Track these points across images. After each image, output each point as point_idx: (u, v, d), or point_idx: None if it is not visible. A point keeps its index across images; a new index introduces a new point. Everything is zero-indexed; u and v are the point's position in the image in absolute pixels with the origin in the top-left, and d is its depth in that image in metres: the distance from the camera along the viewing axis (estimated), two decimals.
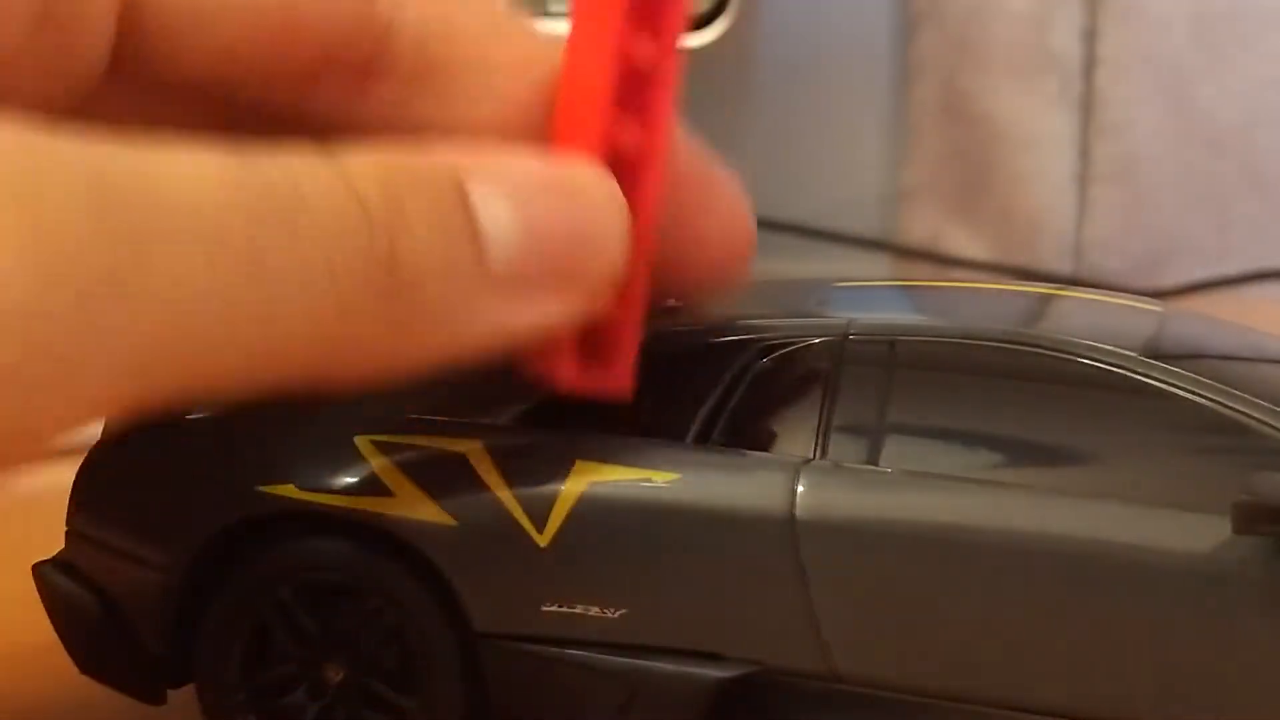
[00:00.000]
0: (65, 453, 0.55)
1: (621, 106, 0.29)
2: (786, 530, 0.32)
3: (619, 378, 0.30)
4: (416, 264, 0.23)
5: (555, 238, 0.25)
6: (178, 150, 0.21)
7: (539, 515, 0.33)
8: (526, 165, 0.25)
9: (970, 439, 0.33)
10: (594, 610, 0.33)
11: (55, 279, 0.19)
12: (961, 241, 0.90)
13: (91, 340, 0.19)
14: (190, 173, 0.21)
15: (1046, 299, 0.38)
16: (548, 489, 0.33)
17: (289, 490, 0.34)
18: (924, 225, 0.92)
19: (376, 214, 0.22)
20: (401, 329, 0.23)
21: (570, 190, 0.25)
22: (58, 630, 0.37)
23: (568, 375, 0.29)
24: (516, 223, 0.24)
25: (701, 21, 0.80)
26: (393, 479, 0.33)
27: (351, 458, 0.34)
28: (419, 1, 0.29)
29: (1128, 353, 0.32)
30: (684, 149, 0.31)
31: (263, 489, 0.34)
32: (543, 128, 0.29)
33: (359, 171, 0.23)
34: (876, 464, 0.32)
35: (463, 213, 0.23)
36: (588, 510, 0.33)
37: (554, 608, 0.33)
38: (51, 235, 0.19)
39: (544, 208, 0.25)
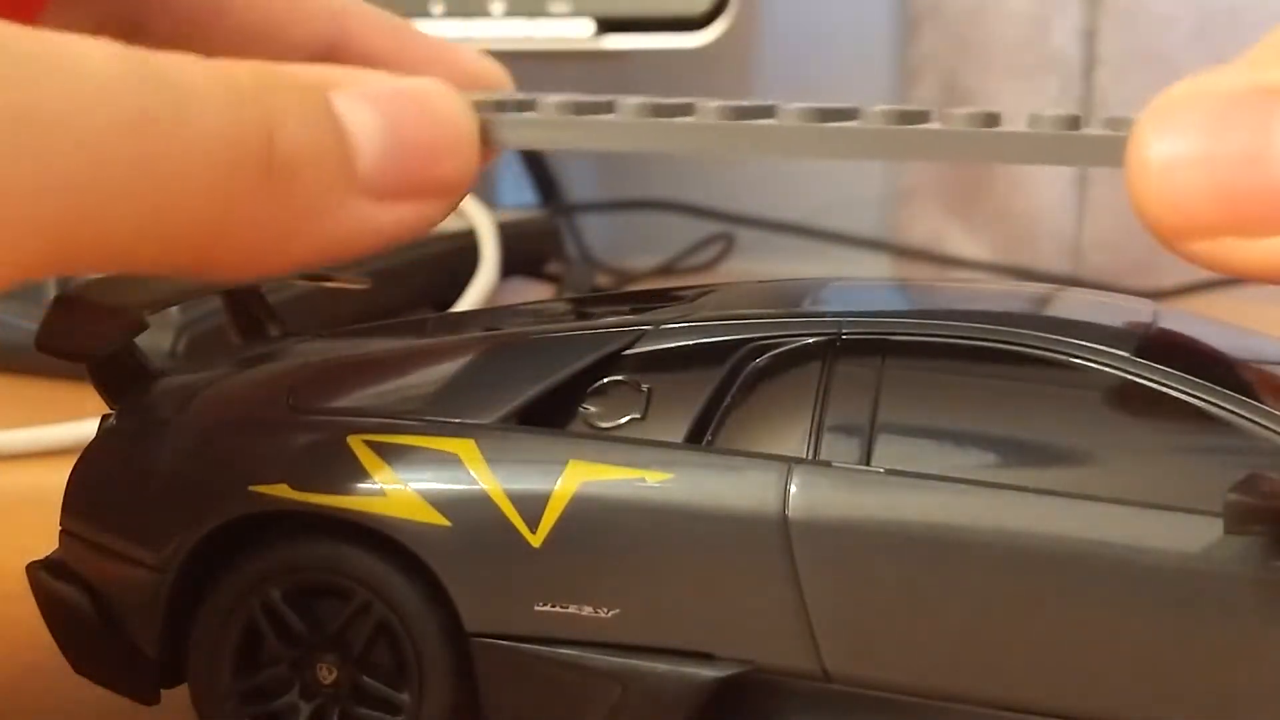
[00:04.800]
0: (59, 453, 0.55)
1: None
2: (779, 530, 0.32)
3: None
4: (291, 153, 0.24)
5: (417, 143, 0.27)
6: (66, 33, 0.23)
7: (532, 515, 0.33)
8: (383, 78, 0.27)
9: (962, 439, 0.33)
10: (587, 610, 0.33)
11: None
12: (961, 241, 0.90)
13: None
14: (83, 49, 0.22)
15: (1039, 298, 0.38)
16: (540, 488, 0.33)
17: (282, 490, 0.34)
18: (924, 225, 0.92)
19: (252, 103, 0.24)
20: (278, 216, 0.25)
21: (425, 99, 0.27)
22: (52, 630, 0.37)
23: None
24: (380, 127, 0.26)
25: (701, 21, 0.80)
26: (385, 479, 0.33)
27: (344, 457, 0.34)
28: None
29: (1120, 352, 0.32)
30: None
31: (255, 489, 0.34)
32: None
33: (232, 67, 0.24)
34: (869, 464, 0.32)
35: (330, 113, 0.25)
36: (580, 510, 0.33)
37: (546, 607, 0.33)
38: None
39: (404, 114, 0.26)
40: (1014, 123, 0.28)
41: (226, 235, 0.24)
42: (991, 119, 0.28)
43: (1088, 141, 0.27)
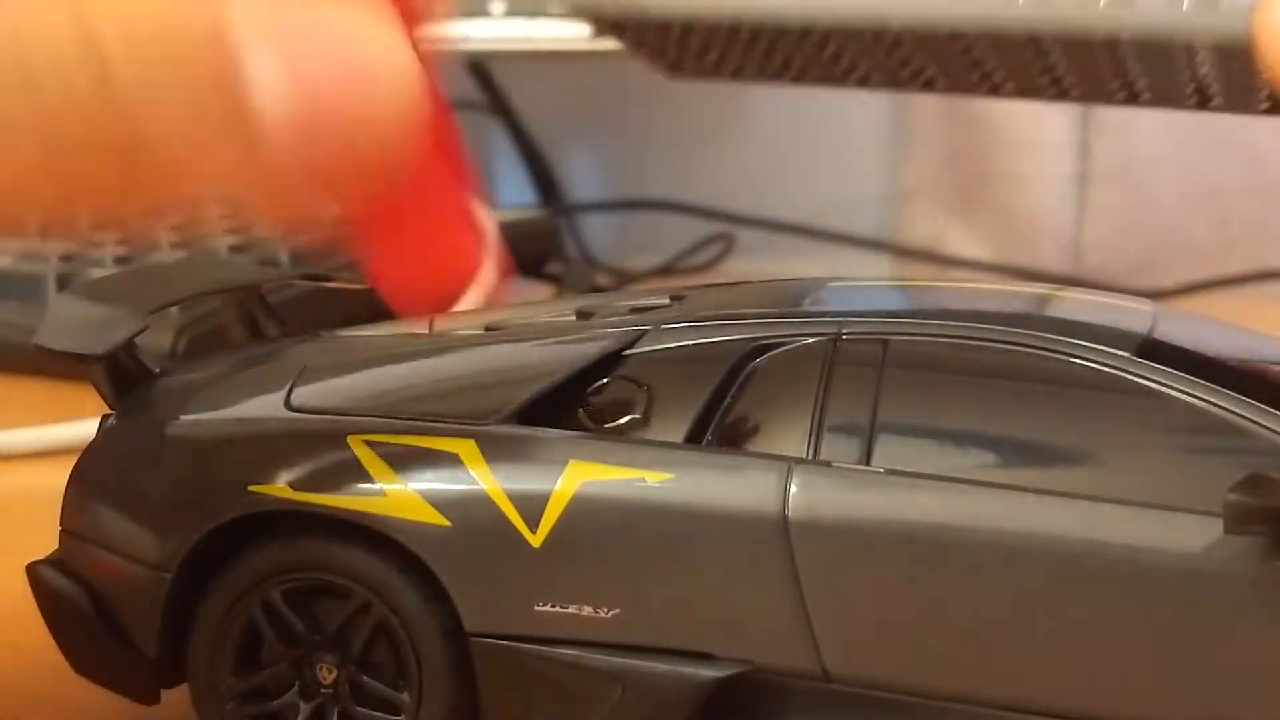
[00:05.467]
0: (59, 453, 0.55)
1: None
2: (779, 530, 0.32)
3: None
4: (163, 142, 0.20)
5: (332, 101, 0.21)
6: None
7: (532, 515, 0.33)
8: (313, 15, 0.21)
9: (962, 439, 0.33)
10: (586, 610, 0.33)
11: None
12: (961, 241, 0.90)
13: None
14: None
15: (1040, 299, 0.38)
16: (540, 488, 0.33)
17: (281, 490, 0.34)
18: (924, 225, 0.92)
19: (120, 89, 0.20)
20: (131, 180, 0.21)
21: (353, 49, 0.21)
22: (52, 630, 0.37)
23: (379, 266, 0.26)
24: (290, 92, 0.21)
25: None
26: (385, 479, 0.33)
27: (344, 457, 0.34)
28: None
29: (1120, 353, 0.32)
30: None
31: (255, 489, 0.34)
32: None
33: (108, 34, 0.20)
34: (869, 464, 0.32)
35: (224, 83, 0.21)
36: (580, 510, 0.33)
37: (546, 607, 0.33)
38: None
39: (323, 70, 0.21)
40: None
41: (72, 192, 0.21)
42: None
43: (1218, 12, 0.27)
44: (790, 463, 0.32)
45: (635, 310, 0.37)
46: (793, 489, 0.32)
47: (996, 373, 0.33)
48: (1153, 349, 0.33)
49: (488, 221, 0.25)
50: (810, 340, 0.34)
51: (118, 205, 0.21)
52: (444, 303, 0.26)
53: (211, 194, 0.22)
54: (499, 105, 0.96)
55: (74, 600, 0.36)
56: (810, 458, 0.33)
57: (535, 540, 0.33)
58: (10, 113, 0.20)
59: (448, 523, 0.33)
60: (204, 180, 0.21)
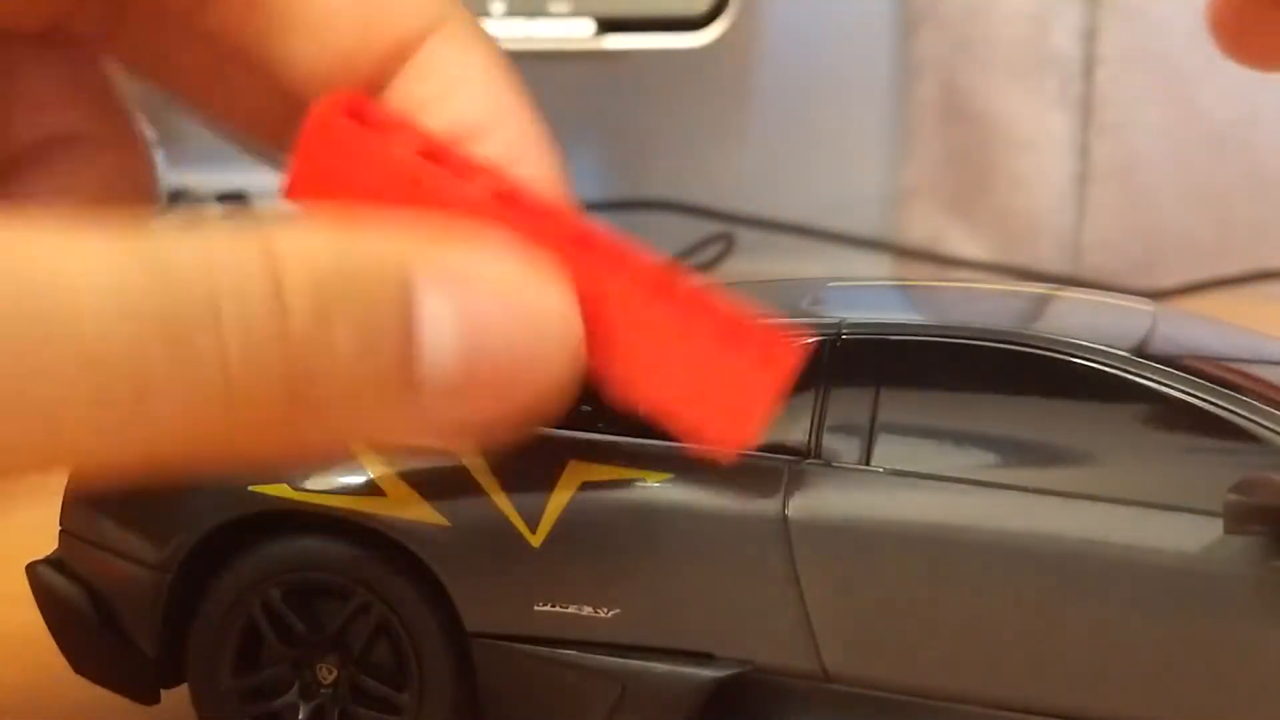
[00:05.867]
0: None
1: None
2: (778, 530, 0.32)
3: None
4: (330, 383, 0.20)
5: (497, 351, 0.21)
6: (69, 235, 0.19)
7: (532, 515, 0.33)
8: (486, 262, 0.22)
9: (962, 439, 0.33)
10: (587, 610, 0.33)
11: None
12: (961, 241, 0.90)
13: None
14: (77, 274, 0.18)
15: (1040, 299, 0.38)
16: (540, 489, 0.33)
17: (282, 490, 0.34)
18: (924, 225, 0.92)
19: (298, 329, 0.20)
20: (298, 433, 0.20)
21: (522, 298, 0.22)
22: (52, 630, 0.37)
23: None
24: (460, 336, 0.21)
25: (701, 21, 0.80)
26: (386, 479, 0.33)
27: (344, 458, 0.34)
28: None
29: (1120, 352, 0.32)
30: None
31: (255, 489, 0.34)
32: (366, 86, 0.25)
33: (293, 271, 0.20)
34: (868, 464, 0.32)
35: (401, 324, 0.20)
36: (580, 510, 0.33)
37: (546, 607, 0.33)
38: None
39: (492, 317, 0.21)
40: None
41: (229, 449, 0.20)
42: None
43: None
44: (790, 463, 0.32)
45: None
46: (793, 489, 0.32)
47: (996, 372, 0.33)
48: (1152, 349, 0.33)
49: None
50: (810, 340, 0.34)
51: (268, 450, 0.21)
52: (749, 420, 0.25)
53: (363, 438, 0.21)
54: None
55: (74, 600, 0.36)
56: (810, 457, 0.33)
57: (535, 540, 0.33)
58: (198, 348, 0.19)
59: (448, 523, 0.33)
60: (361, 424, 0.21)
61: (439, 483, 0.33)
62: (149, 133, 0.27)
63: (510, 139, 0.24)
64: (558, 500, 0.33)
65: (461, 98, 0.24)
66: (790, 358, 0.25)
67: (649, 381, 0.25)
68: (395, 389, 0.20)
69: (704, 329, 0.24)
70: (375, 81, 0.24)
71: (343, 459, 0.24)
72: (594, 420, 0.34)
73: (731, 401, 0.25)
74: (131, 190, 0.25)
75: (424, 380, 0.20)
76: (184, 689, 0.36)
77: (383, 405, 0.21)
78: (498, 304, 0.21)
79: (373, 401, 0.20)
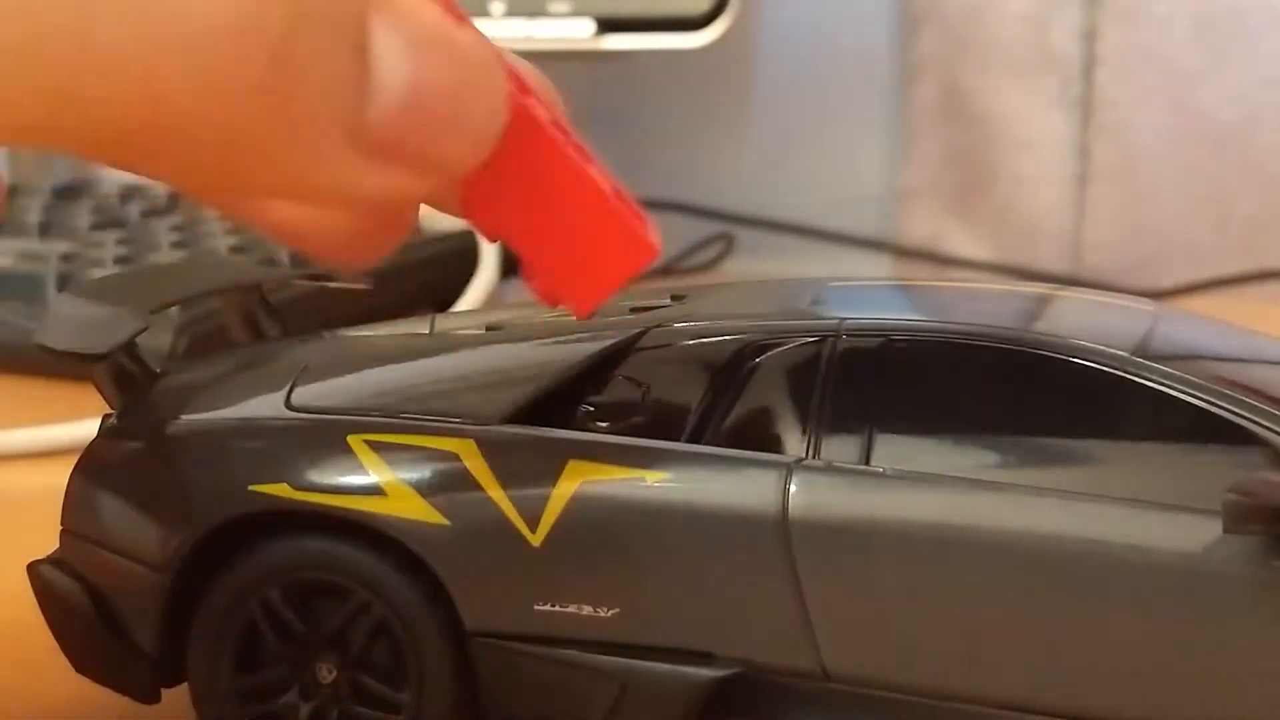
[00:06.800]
0: (59, 453, 0.55)
1: None
2: (779, 530, 0.32)
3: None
4: (305, 61, 0.21)
5: (436, 110, 0.22)
6: None
7: (531, 514, 0.33)
8: (432, 16, 0.23)
9: (962, 438, 0.33)
10: (586, 609, 0.33)
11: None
12: (961, 241, 0.90)
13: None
14: None
15: (1040, 299, 0.38)
16: (540, 488, 0.33)
17: (282, 490, 0.34)
18: (924, 225, 0.92)
19: (273, 24, 0.20)
20: (268, 128, 0.21)
21: (466, 63, 0.23)
22: (52, 629, 0.37)
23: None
24: (406, 78, 0.22)
25: (701, 21, 0.80)
26: (385, 479, 0.33)
27: (344, 457, 0.34)
28: None
29: (1120, 352, 0.32)
30: None
31: (255, 489, 0.34)
32: None
33: None
34: (869, 463, 0.33)
35: (361, 37, 0.21)
36: (580, 509, 0.33)
37: (546, 607, 0.33)
38: None
39: (436, 72, 0.22)
40: None
41: (213, 127, 0.21)
42: None
43: None
44: (790, 463, 0.32)
45: (635, 310, 0.37)
46: (793, 489, 0.32)
47: (996, 372, 0.33)
48: (1152, 348, 0.33)
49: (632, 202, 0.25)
50: (810, 340, 0.34)
51: (244, 171, 0.22)
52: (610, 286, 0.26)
53: (314, 175, 0.22)
54: None
55: (74, 599, 0.36)
56: (810, 458, 0.33)
57: (535, 540, 0.33)
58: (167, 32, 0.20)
59: (448, 522, 0.33)
60: (315, 148, 0.22)
61: (439, 482, 0.33)
62: None
63: None
64: (558, 500, 0.33)
65: None
66: (653, 244, 0.25)
67: (519, 219, 0.25)
68: (341, 120, 0.21)
69: (585, 190, 0.25)
70: None
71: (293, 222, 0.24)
72: (594, 420, 0.34)
73: (590, 265, 0.25)
74: None
75: (368, 121, 0.22)
76: (184, 688, 0.36)
77: (339, 135, 0.22)
78: (448, 69, 0.22)
79: (331, 125, 0.21)
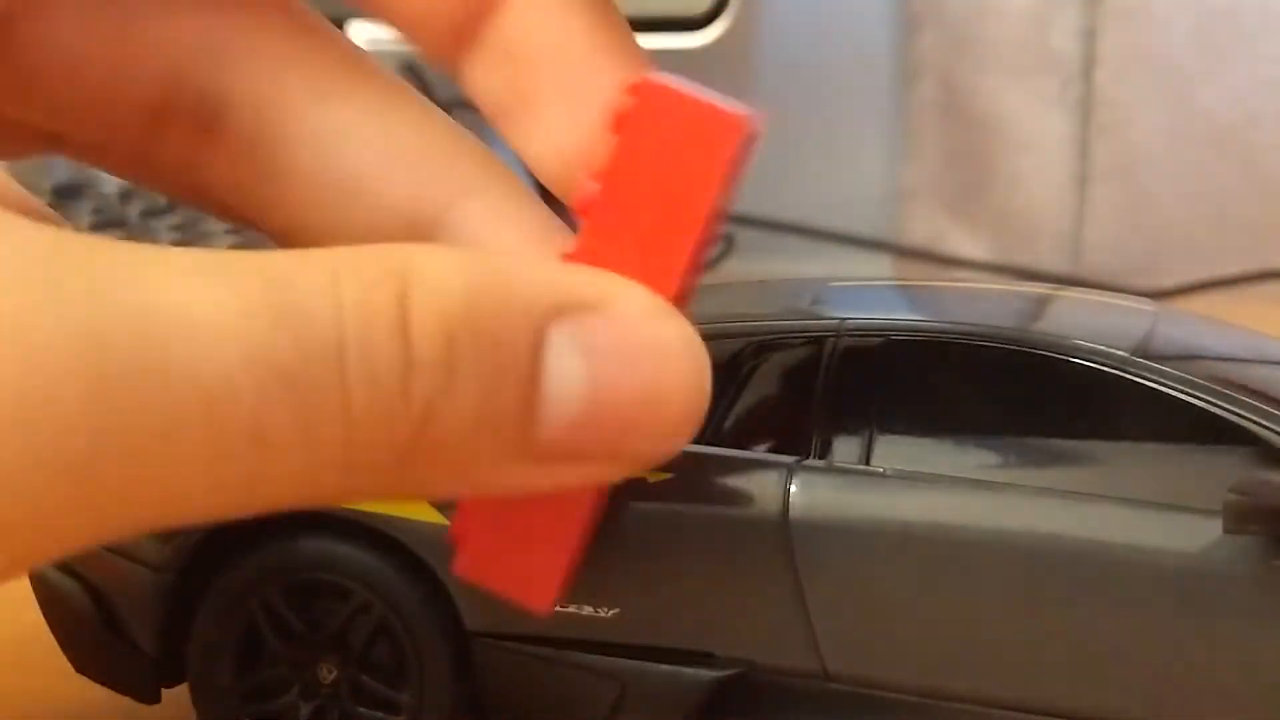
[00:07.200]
0: None
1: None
2: (779, 530, 0.32)
3: (535, 593, 0.25)
4: (448, 429, 0.19)
5: (621, 417, 0.20)
6: (186, 281, 0.17)
7: None
8: (624, 311, 0.20)
9: (962, 438, 0.33)
10: (586, 609, 0.33)
11: (38, 460, 0.17)
12: (961, 241, 0.90)
13: (55, 504, 0.17)
14: (200, 319, 0.17)
15: (1040, 299, 0.38)
16: None
17: None
18: (924, 225, 0.92)
19: (423, 375, 0.18)
20: (407, 476, 0.20)
21: (659, 366, 0.21)
22: (52, 629, 0.37)
23: (466, 559, 0.25)
24: (585, 389, 0.20)
25: (701, 21, 0.80)
26: None
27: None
28: (252, 75, 0.23)
29: (1119, 353, 0.32)
30: None
31: None
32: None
33: (422, 314, 0.19)
34: (869, 463, 0.32)
35: (528, 373, 0.19)
36: None
37: None
38: (39, 411, 0.16)
39: (621, 371, 0.20)
40: None
41: (337, 493, 0.20)
42: None
43: None
44: (790, 463, 0.32)
45: None
46: (793, 489, 0.32)
47: (997, 372, 0.33)
48: (1152, 349, 0.33)
49: None
50: (810, 340, 0.34)
51: (378, 494, 0.20)
52: None
53: (476, 483, 0.21)
54: None
55: (75, 599, 0.36)
56: (811, 457, 0.33)
57: None
58: (321, 399, 0.18)
59: (447, 522, 0.33)
60: (476, 470, 0.20)
61: None
62: None
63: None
64: None
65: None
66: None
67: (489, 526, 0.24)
68: (509, 442, 0.20)
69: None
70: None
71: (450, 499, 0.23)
72: None
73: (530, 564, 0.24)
74: None
75: (540, 436, 0.20)
76: (184, 688, 0.36)
77: (499, 453, 0.20)
78: (629, 347, 0.20)
79: (489, 449, 0.20)
